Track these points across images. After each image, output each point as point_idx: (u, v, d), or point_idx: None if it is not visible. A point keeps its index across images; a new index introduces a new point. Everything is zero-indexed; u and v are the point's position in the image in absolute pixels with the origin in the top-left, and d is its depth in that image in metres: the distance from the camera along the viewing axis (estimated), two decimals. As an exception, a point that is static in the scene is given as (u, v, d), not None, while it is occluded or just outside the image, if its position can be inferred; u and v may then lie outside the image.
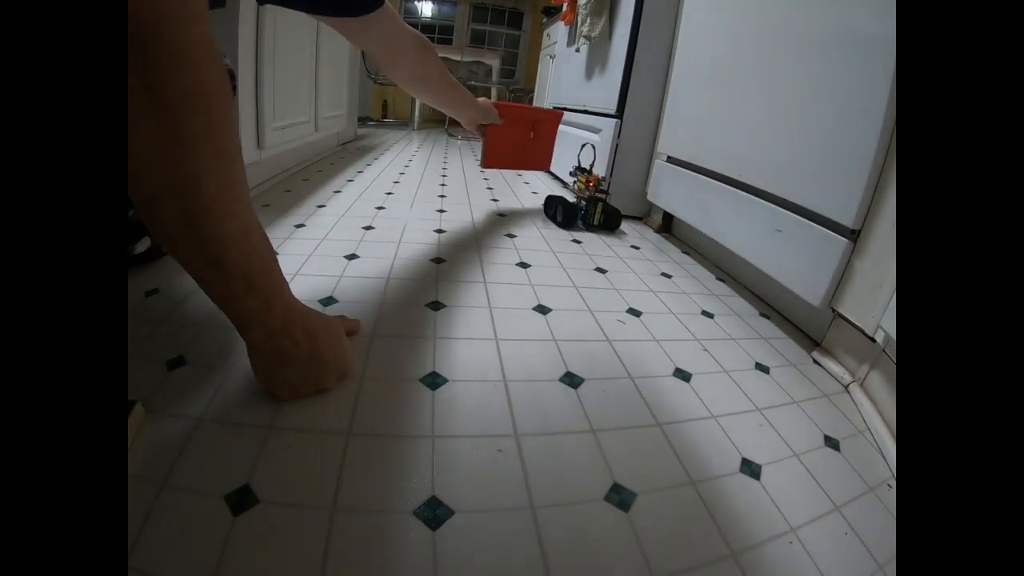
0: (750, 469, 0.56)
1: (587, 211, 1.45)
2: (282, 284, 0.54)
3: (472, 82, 4.42)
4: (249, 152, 1.38)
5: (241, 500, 0.44)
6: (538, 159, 1.69)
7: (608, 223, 1.48)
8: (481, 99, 1.34)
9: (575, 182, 1.50)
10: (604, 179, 1.52)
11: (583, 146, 1.55)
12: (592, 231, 1.46)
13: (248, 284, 0.49)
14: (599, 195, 1.46)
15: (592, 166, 1.49)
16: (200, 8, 0.42)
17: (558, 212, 1.47)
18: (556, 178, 2.37)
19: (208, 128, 0.43)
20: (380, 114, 5.61)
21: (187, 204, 0.43)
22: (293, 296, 0.55)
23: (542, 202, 1.60)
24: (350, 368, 0.62)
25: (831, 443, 0.63)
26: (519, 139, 1.54)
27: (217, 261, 0.46)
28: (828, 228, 0.81)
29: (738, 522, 0.48)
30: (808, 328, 0.94)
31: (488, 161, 1.49)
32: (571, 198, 1.54)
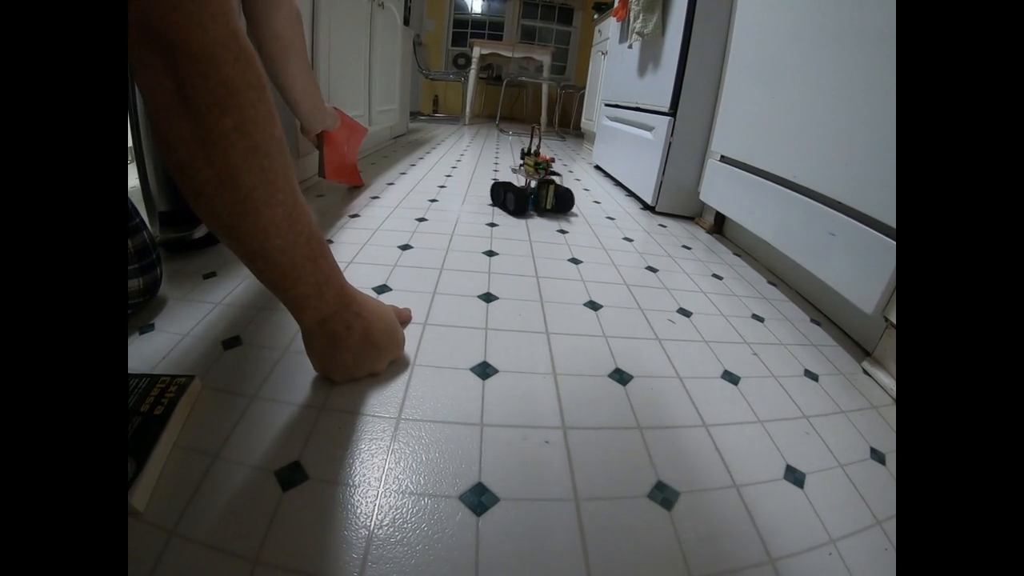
0: (794, 476, 0.55)
1: (538, 194, 1.41)
2: (334, 270, 0.55)
3: (523, 78, 4.43)
4: (306, 143, 1.42)
5: (291, 476, 0.46)
6: (355, 173, 1.58)
7: (561, 206, 1.44)
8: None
9: (522, 165, 1.44)
10: (553, 159, 1.46)
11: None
12: (544, 216, 1.44)
13: (296, 271, 0.50)
14: (550, 177, 1.41)
15: (538, 147, 1.43)
16: (224, 7, 0.42)
17: (508, 200, 1.42)
18: (607, 175, 2.36)
19: (240, 127, 0.43)
20: (431, 109, 5.69)
21: (226, 197, 0.45)
22: (347, 282, 0.57)
23: (513, 194, 1.44)
24: (402, 354, 0.64)
25: (877, 456, 0.62)
26: (343, 150, 1.45)
27: (261, 250, 0.48)
28: (883, 233, 0.79)
29: (779, 529, 0.48)
30: (859, 337, 0.92)
31: (330, 171, 1.37)
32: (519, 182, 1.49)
